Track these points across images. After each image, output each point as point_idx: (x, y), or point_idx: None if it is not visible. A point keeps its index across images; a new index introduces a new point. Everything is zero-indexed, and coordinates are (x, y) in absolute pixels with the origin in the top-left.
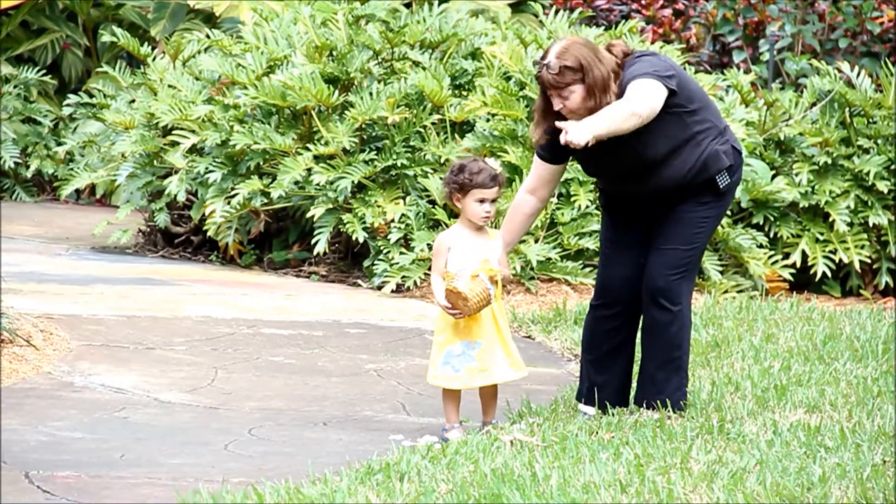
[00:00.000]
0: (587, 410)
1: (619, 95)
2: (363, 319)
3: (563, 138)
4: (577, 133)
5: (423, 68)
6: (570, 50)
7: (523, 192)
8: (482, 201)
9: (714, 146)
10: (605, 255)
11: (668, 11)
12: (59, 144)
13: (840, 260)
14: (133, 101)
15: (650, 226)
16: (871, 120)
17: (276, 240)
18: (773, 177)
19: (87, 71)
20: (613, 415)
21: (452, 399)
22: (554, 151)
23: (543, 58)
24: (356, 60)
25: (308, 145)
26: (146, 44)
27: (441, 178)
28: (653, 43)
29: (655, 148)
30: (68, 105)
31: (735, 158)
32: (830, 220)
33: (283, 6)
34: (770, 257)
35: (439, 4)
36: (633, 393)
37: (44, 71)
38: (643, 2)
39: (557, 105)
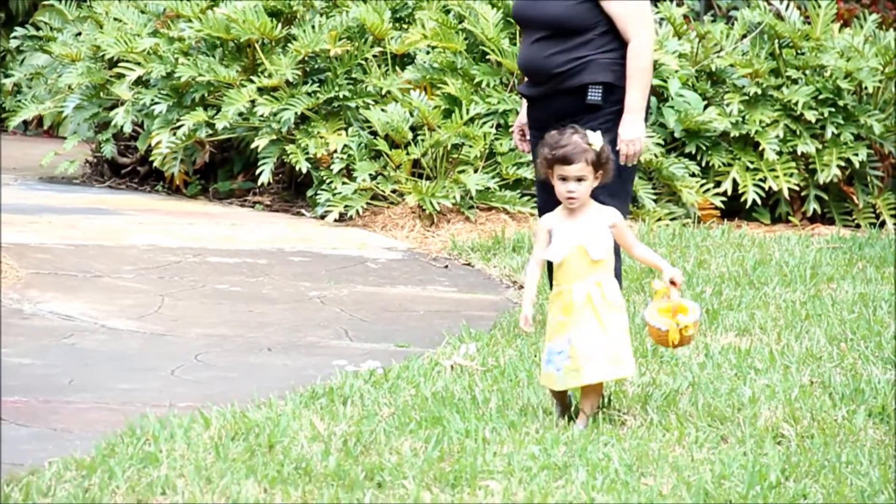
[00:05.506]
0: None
1: None
2: (306, 248)
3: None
4: (636, 144)
5: (364, 1)
6: None
7: None
8: (564, 179)
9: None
10: (540, 186)
11: None
12: (7, 76)
13: (769, 188)
14: (79, 33)
15: None
16: (799, 51)
17: (221, 170)
18: (705, 107)
19: (34, 4)
20: None
21: (559, 400)
22: None
23: None
24: None
25: (252, 77)
26: None
27: (383, 110)
28: None
29: None
30: (15, 38)
31: None
32: (760, 149)
33: None
34: (702, 186)
35: None
36: None
37: None
38: None
39: None
